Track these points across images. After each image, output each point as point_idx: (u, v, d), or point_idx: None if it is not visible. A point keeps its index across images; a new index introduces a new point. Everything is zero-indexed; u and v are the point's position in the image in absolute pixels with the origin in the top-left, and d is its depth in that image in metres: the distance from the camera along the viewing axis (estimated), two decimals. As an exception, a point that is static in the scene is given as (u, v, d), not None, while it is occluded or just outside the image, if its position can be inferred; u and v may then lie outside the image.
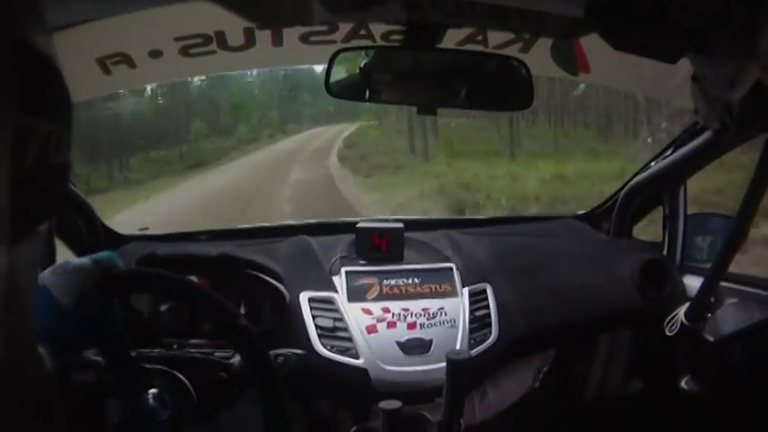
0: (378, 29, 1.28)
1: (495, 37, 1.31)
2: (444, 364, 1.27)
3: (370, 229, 1.50)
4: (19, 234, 0.33)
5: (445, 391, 1.16)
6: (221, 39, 1.29)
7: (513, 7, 1.16)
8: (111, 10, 1.10)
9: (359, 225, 1.52)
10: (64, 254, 1.52)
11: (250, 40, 1.30)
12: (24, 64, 0.32)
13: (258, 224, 1.81)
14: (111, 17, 1.14)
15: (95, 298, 0.90)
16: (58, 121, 0.36)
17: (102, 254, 0.94)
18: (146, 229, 1.76)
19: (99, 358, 1.11)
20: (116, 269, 0.94)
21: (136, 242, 1.62)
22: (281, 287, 1.37)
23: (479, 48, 1.33)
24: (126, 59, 1.34)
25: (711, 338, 1.40)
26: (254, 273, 1.37)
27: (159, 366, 1.08)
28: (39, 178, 0.35)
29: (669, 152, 1.62)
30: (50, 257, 1.41)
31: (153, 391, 1.06)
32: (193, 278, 1.35)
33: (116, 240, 1.60)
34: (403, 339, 1.35)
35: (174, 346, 1.21)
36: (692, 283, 1.57)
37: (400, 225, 1.51)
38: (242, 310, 1.35)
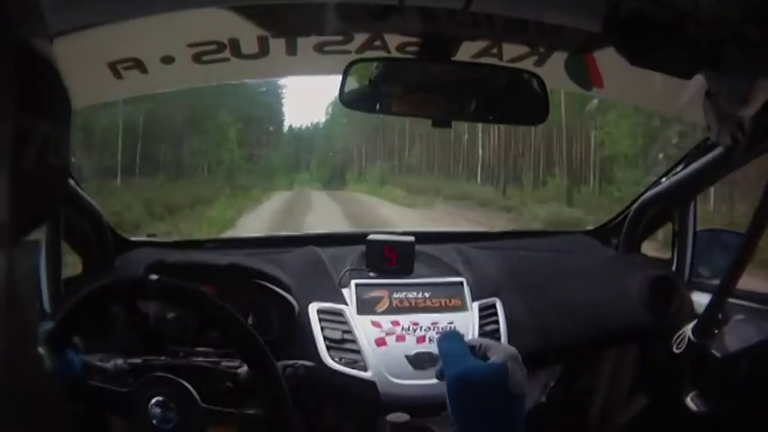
0: (393, 40, 1.27)
1: (510, 50, 1.30)
2: None
3: (381, 242, 1.48)
4: (18, 235, 0.33)
5: None
6: (235, 46, 1.27)
7: (530, 20, 1.15)
8: (124, 14, 1.09)
9: (370, 237, 1.50)
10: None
11: (264, 49, 1.28)
12: (23, 64, 0.32)
13: (265, 234, 1.81)
14: (123, 21, 1.13)
15: None
16: (57, 122, 0.36)
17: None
18: (153, 235, 1.75)
19: (102, 364, 1.11)
20: None
21: (143, 248, 1.62)
22: (290, 298, 1.37)
23: (494, 61, 1.32)
24: (138, 64, 1.33)
25: (719, 354, 1.39)
26: (263, 283, 1.36)
27: (165, 374, 1.07)
28: (38, 179, 0.35)
29: (680, 168, 1.62)
30: (57, 262, 1.39)
31: (158, 398, 1.05)
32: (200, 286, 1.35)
33: (123, 246, 1.60)
34: (412, 353, 1.34)
35: (180, 354, 1.21)
36: (701, 299, 1.56)
37: (411, 238, 1.50)
38: (250, 320, 1.34)
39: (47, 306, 1.37)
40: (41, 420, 0.39)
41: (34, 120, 0.33)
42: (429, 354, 1.34)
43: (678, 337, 1.46)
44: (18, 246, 0.33)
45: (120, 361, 1.13)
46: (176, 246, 1.70)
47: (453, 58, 1.23)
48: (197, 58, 1.31)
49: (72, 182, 1.42)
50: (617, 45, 0.93)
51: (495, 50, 1.30)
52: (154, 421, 1.05)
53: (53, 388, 0.56)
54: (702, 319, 1.42)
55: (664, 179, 1.67)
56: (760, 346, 1.35)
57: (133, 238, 1.66)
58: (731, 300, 1.40)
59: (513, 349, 0.83)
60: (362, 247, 1.52)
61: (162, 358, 1.15)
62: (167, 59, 1.32)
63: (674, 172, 1.64)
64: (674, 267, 1.66)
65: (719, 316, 1.41)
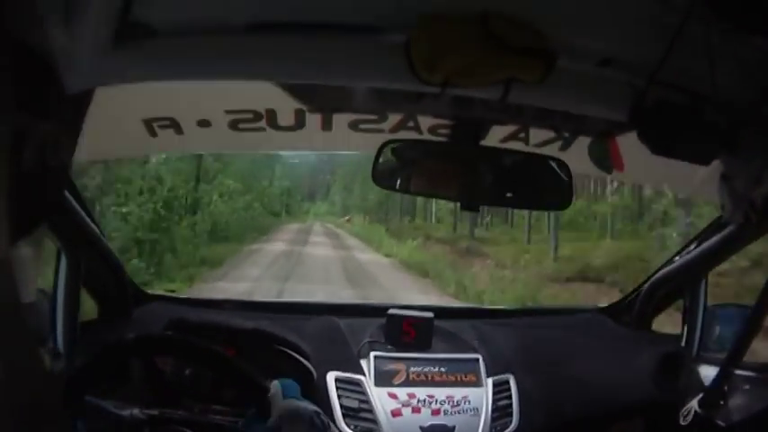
0: (425, 121, 1.32)
1: (537, 135, 1.34)
2: None
3: (401, 317, 1.52)
4: (18, 235, 0.34)
5: None
6: (272, 117, 1.31)
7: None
8: (167, 76, 1.11)
9: (390, 312, 1.54)
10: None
11: (300, 122, 1.32)
12: (23, 65, 0.32)
13: (285, 299, 1.84)
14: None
15: None
16: (57, 123, 0.37)
17: None
18: (171, 291, 1.76)
19: (118, 411, 1.11)
20: None
21: (160, 302, 1.63)
22: (309, 365, 1.39)
23: (521, 144, 1.36)
24: (174, 124, 1.35)
25: (723, 424, 1.40)
26: (284, 349, 1.38)
27: (183, 429, 1.08)
28: (37, 179, 0.35)
29: (692, 247, 1.65)
30: (75, 305, 1.40)
31: None
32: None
33: (141, 298, 1.61)
34: (426, 424, 1.37)
35: (196, 410, 1.21)
36: (708, 372, 1.57)
37: (430, 315, 1.54)
38: None
39: (60, 347, 1.37)
40: (39, 419, 0.39)
41: (33, 120, 0.34)
42: (443, 426, 1.37)
43: (685, 411, 1.48)
44: (18, 246, 0.34)
45: (136, 410, 1.12)
46: (192, 303, 1.72)
47: (482, 142, 1.27)
48: (233, 125, 1.34)
49: (96, 229, 1.43)
50: (640, 134, 0.97)
51: (522, 135, 1.34)
52: None
53: (53, 389, 0.56)
54: (709, 391, 1.44)
55: (677, 258, 1.70)
56: (763, 413, 1.36)
57: (151, 292, 1.68)
58: (738, 372, 1.42)
59: (293, 407, 0.83)
60: (381, 319, 1.55)
61: (179, 412, 1.16)
62: (203, 123, 1.35)
63: (687, 251, 1.67)
64: (683, 342, 1.68)
65: (726, 388, 1.43)
